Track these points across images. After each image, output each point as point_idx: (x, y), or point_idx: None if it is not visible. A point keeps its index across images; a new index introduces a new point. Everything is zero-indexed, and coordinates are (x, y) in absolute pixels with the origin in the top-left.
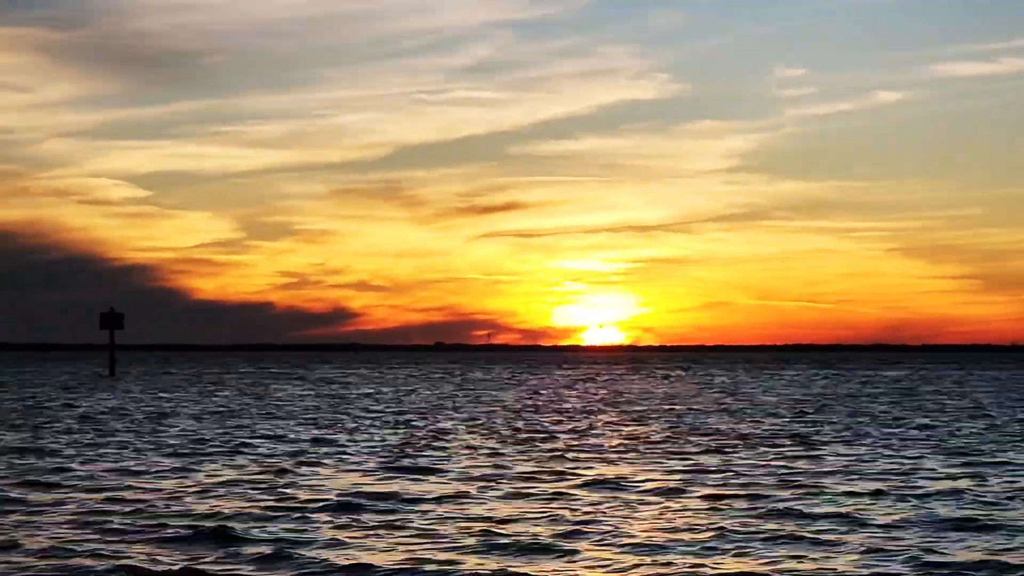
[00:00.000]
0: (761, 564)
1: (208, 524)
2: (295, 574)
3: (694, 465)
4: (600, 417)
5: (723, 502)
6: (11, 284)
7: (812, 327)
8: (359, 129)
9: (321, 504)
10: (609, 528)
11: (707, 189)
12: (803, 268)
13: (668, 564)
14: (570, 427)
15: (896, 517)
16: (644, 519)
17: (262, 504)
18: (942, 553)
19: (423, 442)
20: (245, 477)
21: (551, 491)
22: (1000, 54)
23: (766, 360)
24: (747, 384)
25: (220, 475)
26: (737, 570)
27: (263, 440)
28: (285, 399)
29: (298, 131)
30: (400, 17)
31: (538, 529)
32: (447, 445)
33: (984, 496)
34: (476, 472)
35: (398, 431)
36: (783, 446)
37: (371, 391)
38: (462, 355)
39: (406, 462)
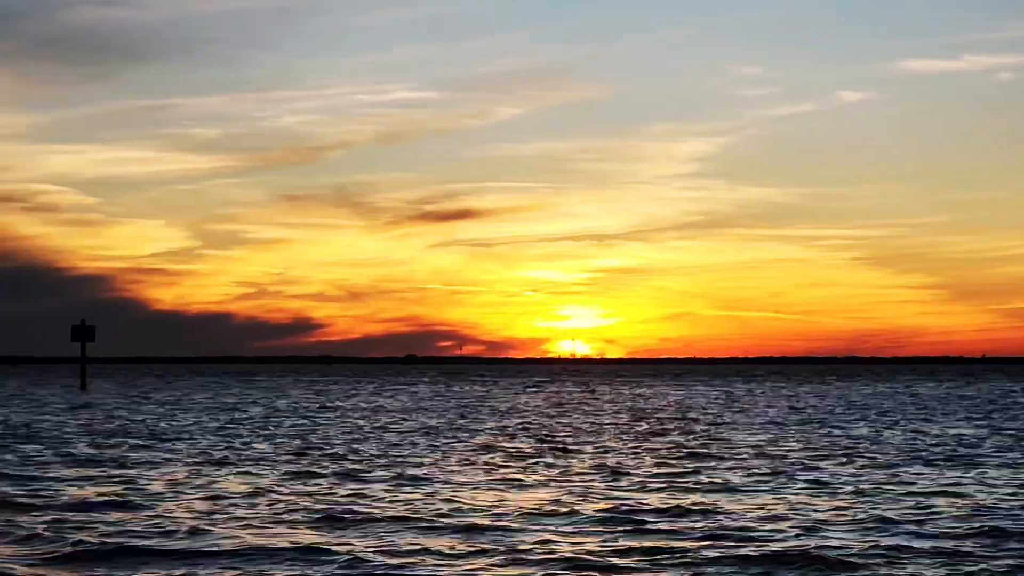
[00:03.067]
0: None
1: None
2: None
3: None
4: None
5: None
6: None
7: (776, 338)
8: (304, 132)
9: None
10: None
11: (665, 196)
12: (766, 278)
13: None
14: None
15: None
16: None
17: None
18: None
19: None
20: None
21: None
22: (963, 50)
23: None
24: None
25: None
26: None
27: None
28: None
29: (242, 133)
30: (345, 13)
31: None
32: None
33: None
34: None
35: None
36: None
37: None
38: (440, 367)
39: None
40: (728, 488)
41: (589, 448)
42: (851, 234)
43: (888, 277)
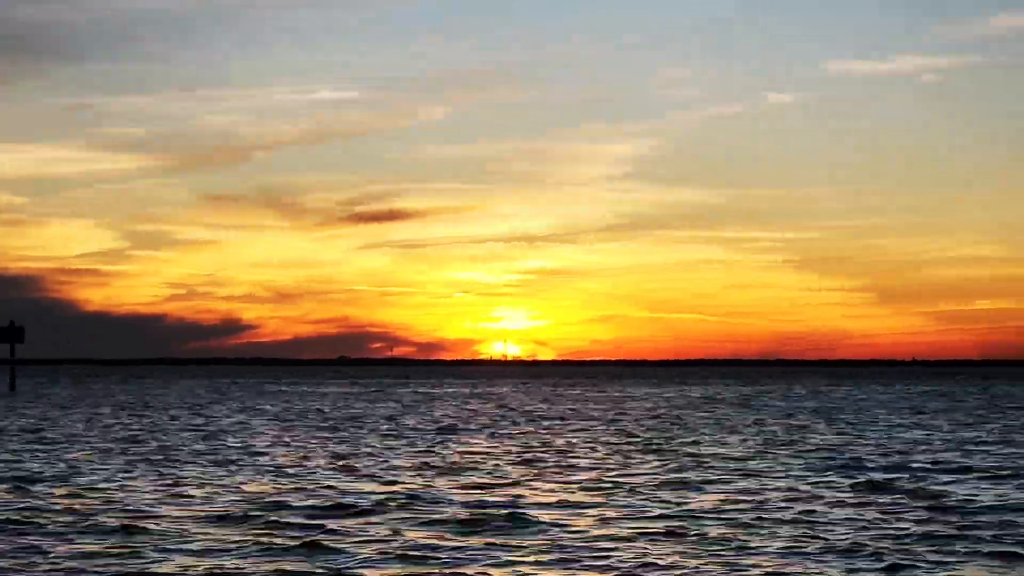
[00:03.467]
0: None
1: None
2: None
3: None
4: None
5: None
6: None
7: (704, 340)
8: (231, 132)
9: None
10: None
11: (594, 197)
12: (693, 280)
13: None
14: None
15: None
16: None
17: None
18: None
19: None
20: None
21: None
22: (894, 51)
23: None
24: None
25: None
26: None
27: None
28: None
29: (169, 133)
30: (273, 13)
31: None
32: None
33: None
34: None
35: None
36: None
37: None
38: (371, 369)
39: None
40: None
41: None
42: (778, 236)
43: (815, 280)
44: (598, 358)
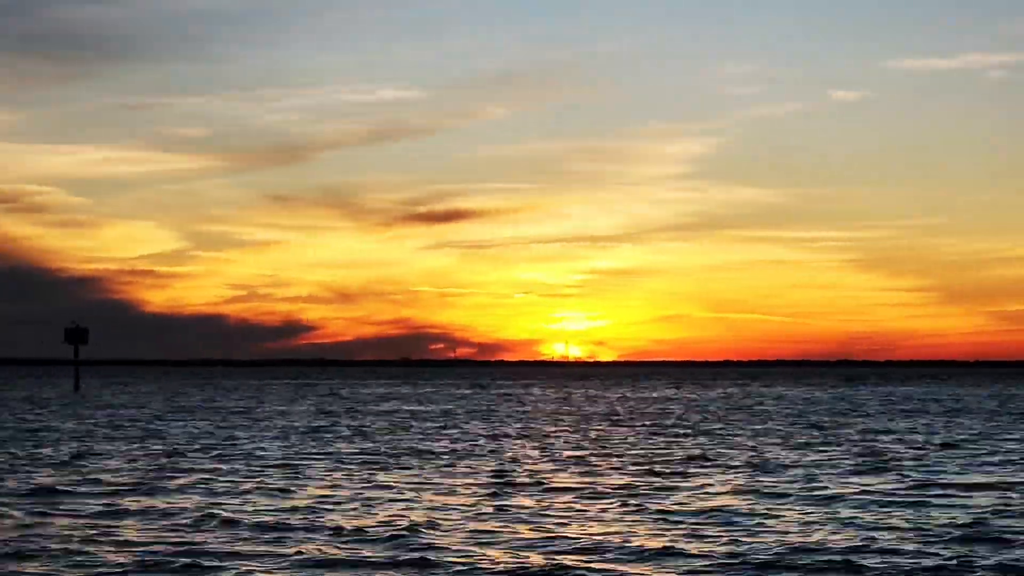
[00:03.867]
0: None
1: None
2: None
3: None
4: None
5: None
6: None
7: (768, 341)
8: (293, 132)
9: None
10: None
11: (657, 197)
12: (758, 280)
13: None
14: None
15: None
16: None
17: None
18: None
19: None
20: None
21: None
22: (957, 48)
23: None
24: None
25: None
26: None
27: None
28: None
29: (231, 133)
30: (336, 11)
31: None
32: None
33: None
34: None
35: None
36: None
37: None
38: (439, 371)
39: None
40: None
41: None
42: (843, 236)
43: (880, 279)
44: (659, 359)
